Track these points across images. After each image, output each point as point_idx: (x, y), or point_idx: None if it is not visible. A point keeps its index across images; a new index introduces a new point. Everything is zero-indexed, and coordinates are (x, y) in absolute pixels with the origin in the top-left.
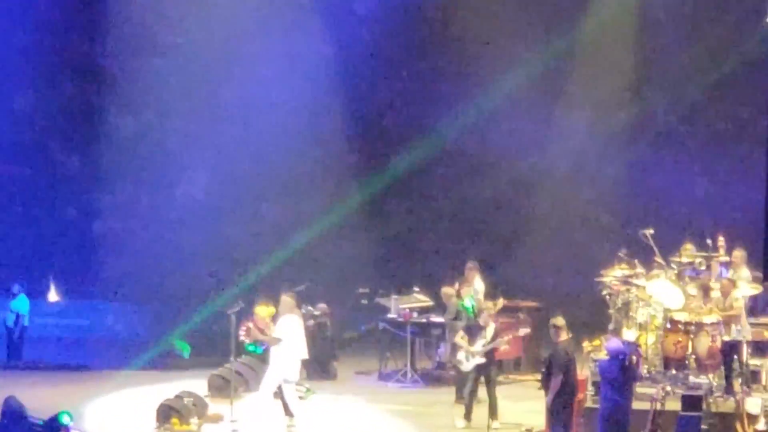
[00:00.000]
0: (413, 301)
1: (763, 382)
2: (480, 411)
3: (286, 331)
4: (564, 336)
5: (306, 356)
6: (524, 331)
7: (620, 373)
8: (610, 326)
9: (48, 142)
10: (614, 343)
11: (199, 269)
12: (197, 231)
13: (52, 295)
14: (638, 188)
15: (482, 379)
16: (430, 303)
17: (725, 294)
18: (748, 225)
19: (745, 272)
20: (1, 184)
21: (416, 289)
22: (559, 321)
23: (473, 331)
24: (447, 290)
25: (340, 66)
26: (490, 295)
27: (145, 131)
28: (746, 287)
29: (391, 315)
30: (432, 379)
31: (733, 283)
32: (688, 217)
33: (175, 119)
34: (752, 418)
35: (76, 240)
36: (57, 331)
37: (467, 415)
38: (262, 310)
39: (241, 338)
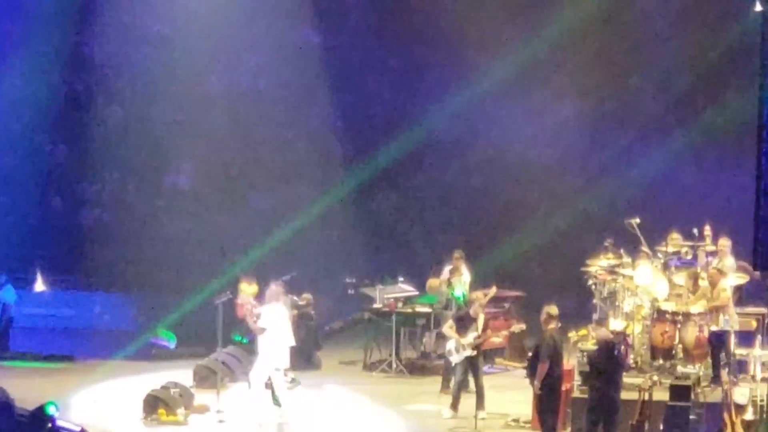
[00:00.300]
0: (398, 291)
1: (751, 372)
2: (465, 401)
3: (271, 320)
4: (553, 324)
5: (293, 343)
6: (519, 327)
7: (609, 362)
8: (594, 316)
9: (35, 131)
10: (603, 332)
11: (185, 258)
12: (184, 220)
13: (39, 285)
14: (626, 177)
15: (470, 370)
16: (415, 293)
17: (713, 284)
18: (737, 213)
19: (730, 261)
20: None
21: (401, 278)
22: (553, 310)
23: (464, 322)
24: (432, 282)
25: (328, 55)
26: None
27: (132, 120)
28: (732, 276)
29: (377, 305)
30: (417, 368)
31: (720, 272)
32: (675, 206)
33: (163, 108)
34: (740, 408)
35: (63, 229)
36: (44, 322)
37: (454, 406)
38: (246, 288)
39: (241, 315)
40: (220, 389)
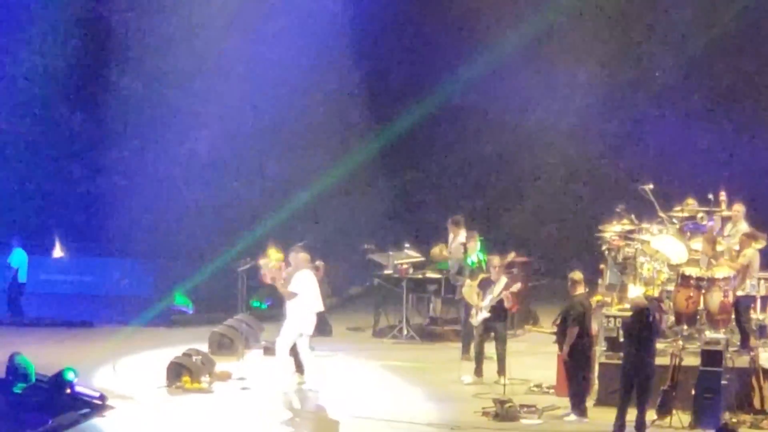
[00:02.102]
0: (404, 257)
1: None
2: (486, 367)
3: (301, 285)
4: (580, 290)
5: (321, 309)
6: (516, 287)
7: (644, 328)
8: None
9: (53, 99)
10: (638, 298)
11: (203, 226)
12: (202, 187)
13: (57, 252)
14: (642, 143)
15: (491, 335)
16: (422, 258)
17: (743, 247)
18: (754, 178)
19: (743, 226)
20: (7, 141)
21: (407, 245)
22: (577, 275)
23: (484, 286)
24: (434, 250)
25: (345, 23)
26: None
27: (149, 88)
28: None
29: (388, 271)
30: (427, 335)
31: (752, 237)
32: (692, 172)
33: (180, 76)
34: (766, 373)
35: (81, 196)
36: (62, 288)
37: (477, 371)
38: (274, 254)
39: (267, 281)
40: (240, 356)
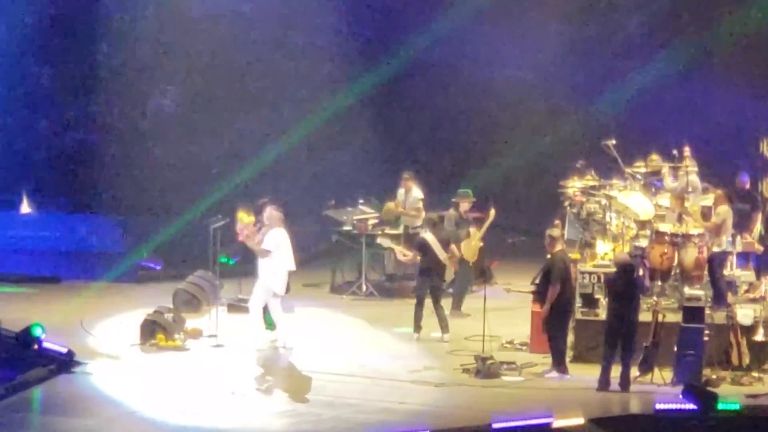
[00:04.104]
0: (359, 214)
1: (762, 293)
2: (454, 323)
3: (275, 243)
4: (559, 246)
5: (293, 268)
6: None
7: (628, 285)
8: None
9: (21, 54)
10: (621, 255)
11: (171, 181)
12: (169, 143)
13: (25, 207)
14: (611, 99)
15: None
16: (376, 215)
17: (717, 205)
18: (720, 134)
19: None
20: None
21: (361, 201)
22: (555, 232)
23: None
24: (388, 205)
25: None
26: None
27: (117, 43)
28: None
29: (346, 227)
30: (385, 291)
31: (727, 196)
32: (662, 128)
33: (148, 31)
34: (744, 329)
35: (49, 152)
36: (29, 244)
37: (443, 328)
38: (244, 217)
39: (240, 238)
40: (206, 313)
